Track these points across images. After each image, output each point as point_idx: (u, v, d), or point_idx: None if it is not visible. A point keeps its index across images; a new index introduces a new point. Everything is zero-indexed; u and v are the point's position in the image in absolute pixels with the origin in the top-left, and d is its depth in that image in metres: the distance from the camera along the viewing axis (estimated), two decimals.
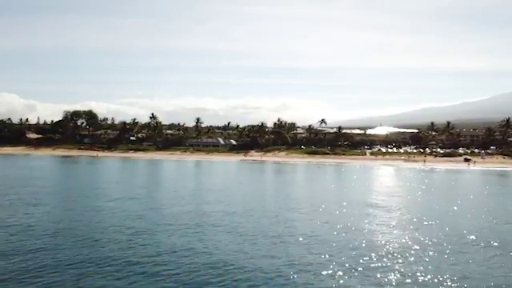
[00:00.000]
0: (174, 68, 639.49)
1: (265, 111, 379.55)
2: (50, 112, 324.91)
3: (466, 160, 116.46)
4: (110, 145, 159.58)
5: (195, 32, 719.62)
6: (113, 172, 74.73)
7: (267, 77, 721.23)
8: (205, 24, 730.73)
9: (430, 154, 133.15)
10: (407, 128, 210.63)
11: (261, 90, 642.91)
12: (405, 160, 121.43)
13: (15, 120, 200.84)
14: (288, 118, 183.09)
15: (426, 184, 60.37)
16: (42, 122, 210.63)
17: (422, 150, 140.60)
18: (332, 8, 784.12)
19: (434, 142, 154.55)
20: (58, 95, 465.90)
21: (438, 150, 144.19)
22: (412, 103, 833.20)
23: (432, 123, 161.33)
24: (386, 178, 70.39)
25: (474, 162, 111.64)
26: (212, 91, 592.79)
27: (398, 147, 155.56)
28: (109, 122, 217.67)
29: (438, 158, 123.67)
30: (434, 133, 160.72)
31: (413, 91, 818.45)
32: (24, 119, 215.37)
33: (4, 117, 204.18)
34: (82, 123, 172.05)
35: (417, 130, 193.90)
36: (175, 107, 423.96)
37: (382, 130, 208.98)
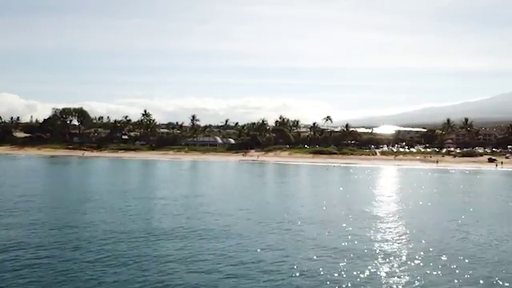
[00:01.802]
0: (174, 68, 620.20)
1: (265, 111, 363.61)
2: (50, 112, 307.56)
3: (491, 160, 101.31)
4: (100, 144, 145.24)
5: (195, 32, 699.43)
6: (85, 176, 60.14)
7: (267, 77, 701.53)
8: (205, 24, 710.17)
9: (448, 153, 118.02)
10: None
11: (261, 90, 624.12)
12: (421, 160, 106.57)
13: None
14: (289, 117, 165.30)
15: (472, 191, 45.78)
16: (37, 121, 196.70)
17: (437, 150, 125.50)
18: (332, 8, 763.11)
19: (450, 141, 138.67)
20: (59, 95, 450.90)
21: (453, 149, 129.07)
22: (412, 103, 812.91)
23: (448, 120, 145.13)
24: (416, 183, 55.55)
25: (502, 163, 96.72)
26: (212, 91, 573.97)
27: (411, 146, 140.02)
28: (105, 120, 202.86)
29: (457, 159, 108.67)
30: (450, 131, 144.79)
31: (413, 91, 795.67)
32: (15, 118, 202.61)
33: (5, 117, 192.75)
34: (71, 121, 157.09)
35: (423, 129, 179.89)
36: (175, 107, 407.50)
37: (387, 129, 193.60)
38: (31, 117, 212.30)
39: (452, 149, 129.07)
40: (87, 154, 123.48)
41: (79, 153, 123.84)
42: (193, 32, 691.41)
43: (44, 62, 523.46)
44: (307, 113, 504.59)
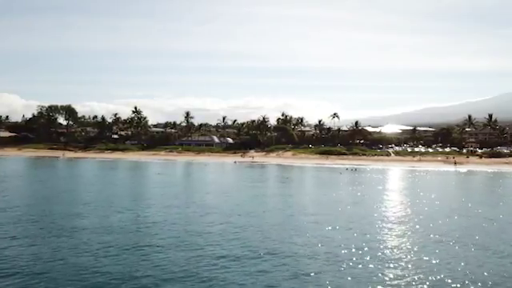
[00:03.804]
0: (174, 68, 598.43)
1: (266, 111, 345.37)
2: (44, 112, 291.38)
3: None
4: (87, 144, 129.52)
5: (195, 32, 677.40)
6: (27, 184, 44.08)
7: (268, 77, 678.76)
8: (205, 25, 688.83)
9: (472, 153, 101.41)
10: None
11: (262, 90, 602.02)
12: (444, 161, 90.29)
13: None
14: (291, 115, 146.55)
15: None
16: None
17: (457, 150, 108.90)
18: (332, 8, 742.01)
19: (473, 140, 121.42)
20: (59, 96, 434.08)
21: (473, 148, 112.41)
22: (413, 103, 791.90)
23: (469, 116, 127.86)
24: (480, 195, 39.25)
25: None
26: (212, 91, 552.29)
27: (428, 146, 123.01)
28: (99, 120, 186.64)
29: (484, 160, 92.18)
30: (473, 129, 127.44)
31: (414, 91, 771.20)
32: (4, 117, 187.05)
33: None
34: (56, 119, 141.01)
35: (430, 128, 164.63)
36: (175, 107, 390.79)
37: (392, 129, 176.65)
38: (23, 116, 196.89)
39: (472, 148, 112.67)
40: (69, 154, 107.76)
41: (59, 154, 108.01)
42: (193, 32, 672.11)
43: (44, 62, 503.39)
44: (308, 113, 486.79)
